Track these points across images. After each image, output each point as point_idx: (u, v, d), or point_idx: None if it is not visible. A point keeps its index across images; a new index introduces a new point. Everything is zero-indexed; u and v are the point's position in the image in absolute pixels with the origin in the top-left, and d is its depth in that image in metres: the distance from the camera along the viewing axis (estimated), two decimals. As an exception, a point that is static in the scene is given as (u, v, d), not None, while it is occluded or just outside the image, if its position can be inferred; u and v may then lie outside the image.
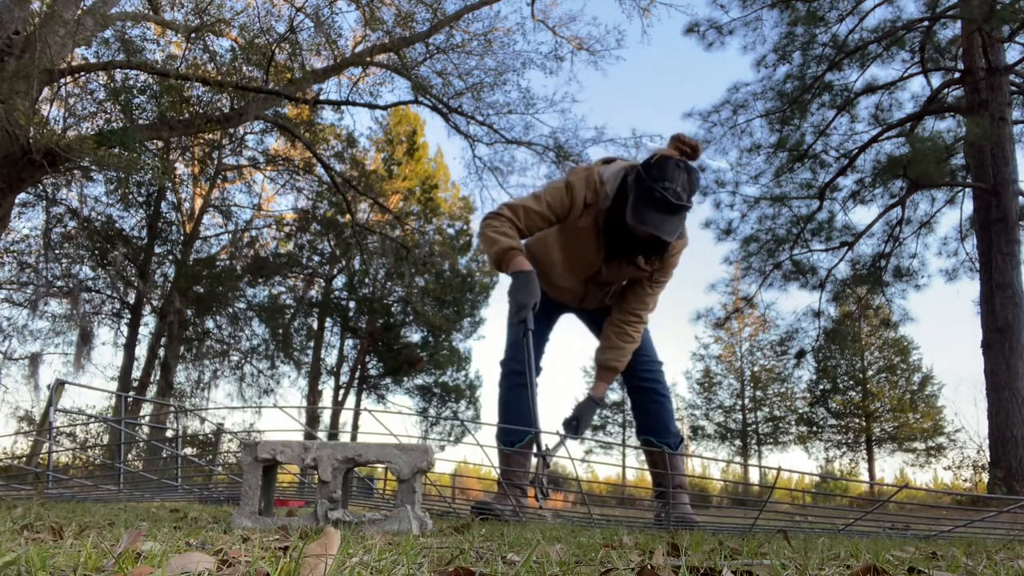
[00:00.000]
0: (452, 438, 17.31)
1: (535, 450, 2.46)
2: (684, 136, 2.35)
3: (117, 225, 13.57)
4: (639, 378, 2.72)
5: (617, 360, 2.62)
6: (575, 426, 2.58)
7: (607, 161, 2.55)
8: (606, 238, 2.45)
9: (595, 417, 2.64)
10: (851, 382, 19.73)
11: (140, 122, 8.18)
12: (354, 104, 10.43)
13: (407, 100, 11.10)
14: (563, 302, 2.82)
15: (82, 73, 8.10)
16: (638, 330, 2.63)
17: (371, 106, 10.66)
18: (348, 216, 14.01)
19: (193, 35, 8.00)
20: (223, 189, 15.67)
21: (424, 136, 17.69)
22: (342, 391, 17.35)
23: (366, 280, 17.23)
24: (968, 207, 10.91)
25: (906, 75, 11.17)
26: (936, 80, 11.10)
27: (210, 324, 15.13)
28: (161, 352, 14.16)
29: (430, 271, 15.59)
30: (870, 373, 19.54)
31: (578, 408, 2.63)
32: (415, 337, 17.46)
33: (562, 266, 2.63)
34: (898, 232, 11.75)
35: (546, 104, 11.87)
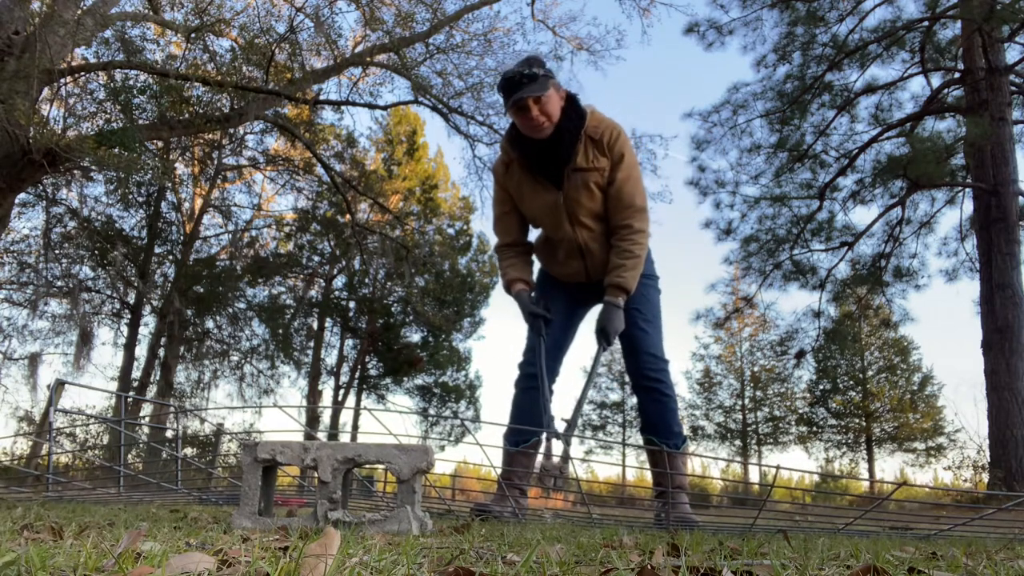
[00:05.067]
0: (452, 438, 17.31)
1: (542, 449, 2.47)
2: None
3: (117, 225, 13.57)
4: (643, 376, 2.71)
5: (620, 276, 2.56)
6: (605, 335, 2.53)
7: None
8: (532, 165, 2.59)
9: (621, 326, 2.63)
10: (851, 382, 19.73)
11: (140, 122, 8.17)
12: (354, 104, 10.42)
13: (407, 100, 11.09)
14: (576, 279, 2.81)
15: (82, 73, 8.09)
16: (634, 241, 2.58)
17: (371, 106, 10.66)
18: (348, 216, 14.01)
19: (193, 35, 8.00)
20: (223, 189, 15.67)
21: (424, 136, 17.70)
22: (342, 391, 17.35)
23: (366, 280, 17.23)
24: (968, 207, 10.92)
25: (906, 75, 11.16)
26: (936, 80, 11.10)
27: (210, 324, 15.13)
28: (161, 352, 14.15)
29: (430, 271, 15.59)
30: (870, 373, 19.54)
31: (601, 317, 2.58)
32: (415, 337, 17.46)
33: (546, 226, 2.74)
34: (898, 232, 11.74)
35: (546, 104, 11.82)
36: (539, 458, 2.48)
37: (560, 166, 2.54)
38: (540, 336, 2.63)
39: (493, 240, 2.92)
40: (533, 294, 2.81)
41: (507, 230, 2.77)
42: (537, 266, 2.96)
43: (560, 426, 2.50)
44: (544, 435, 2.47)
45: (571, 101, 2.51)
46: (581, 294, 2.87)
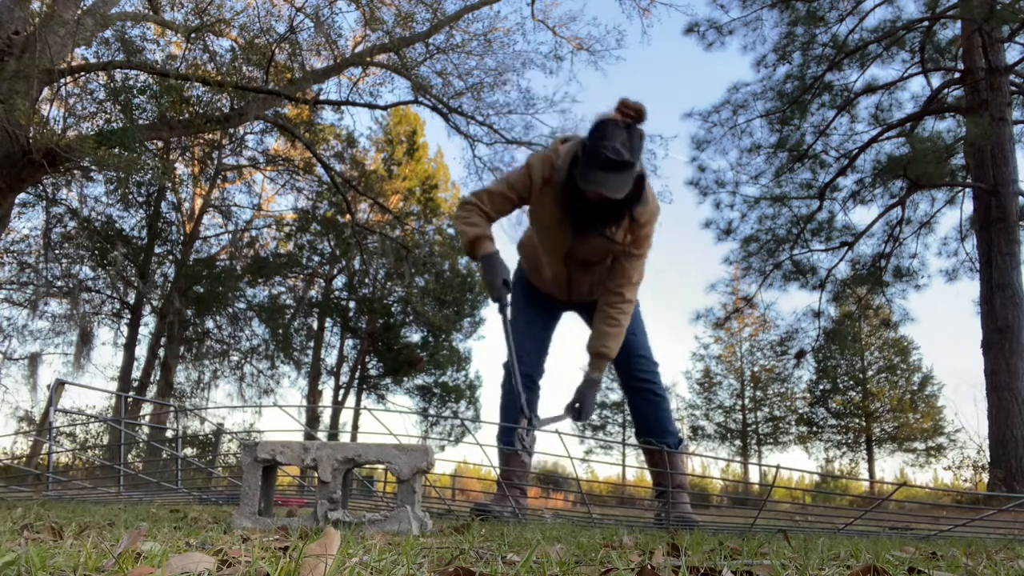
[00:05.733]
0: (452, 438, 17.32)
1: (525, 423, 2.49)
2: (628, 100, 2.38)
3: (117, 225, 13.57)
4: (635, 379, 2.72)
5: (604, 345, 2.58)
6: (578, 410, 2.55)
7: (565, 139, 2.60)
8: (566, 209, 2.51)
9: (597, 399, 2.63)
10: (851, 382, 19.72)
11: (140, 122, 8.17)
12: (354, 104, 10.42)
13: (407, 100, 11.10)
14: (555, 296, 2.83)
15: (82, 73, 8.09)
16: (623, 311, 2.60)
17: (371, 106, 10.66)
18: (348, 216, 14.01)
19: (193, 35, 8.00)
20: (223, 189, 15.67)
21: (424, 136, 17.70)
22: (342, 391, 17.35)
23: (366, 280, 17.23)
24: (968, 207, 10.91)
25: (906, 75, 11.16)
26: (936, 80, 11.10)
27: (210, 324, 15.12)
28: (161, 352, 14.15)
29: (430, 271, 15.59)
30: (870, 373, 19.54)
31: (578, 391, 2.60)
32: (415, 337, 17.46)
33: (543, 251, 2.69)
34: (898, 232, 11.74)
35: (546, 104, 11.86)
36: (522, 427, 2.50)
37: (590, 224, 2.50)
38: (505, 307, 2.54)
39: (466, 195, 2.79)
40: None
41: (495, 208, 2.64)
42: (516, 259, 2.98)
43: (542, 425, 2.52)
44: (525, 420, 2.50)
45: (638, 182, 2.40)
46: (560, 301, 2.90)
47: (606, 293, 2.63)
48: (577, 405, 2.56)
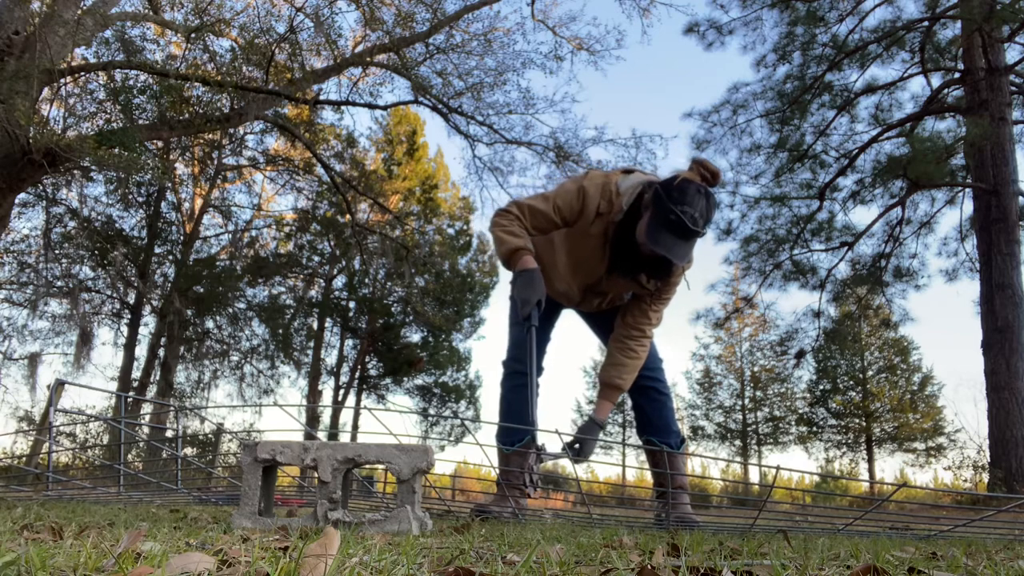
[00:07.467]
0: (452, 438, 17.32)
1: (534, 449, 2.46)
2: (707, 162, 2.34)
3: (117, 225, 13.58)
4: (640, 376, 2.70)
5: (620, 377, 2.57)
6: (578, 450, 2.51)
7: (627, 171, 2.53)
8: (613, 251, 2.44)
9: (597, 442, 2.60)
10: (851, 382, 19.73)
11: (140, 122, 8.18)
12: (354, 104, 10.43)
13: (407, 100, 11.11)
14: (559, 302, 2.83)
15: (82, 73, 8.10)
16: (643, 345, 2.59)
17: (371, 106, 10.66)
18: (348, 216, 14.01)
19: (193, 35, 8.00)
20: (223, 189, 15.68)
21: (424, 136, 17.70)
22: (342, 391, 17.35)
23: (366, 280, 17.23)
24: (968, 207, 10.93)
25: (906, 75, 11.17)
26: (936, 80, 11.11)
27: (210, 324, 15.13)
28: (161, 352, 14.15)
29: (430, 271, 15.60)
30: (870, 373, 19.54)
31: (580, 430, 2.58)
32: (415, 337, 17.46)
33: (564, 269, 2.63)
34: (898, 232, 11.75)
35: (546, 104, 11.88)
36: (531, 459, 2.47)
37: (631, 273, 2.47)
38: (533, 327, 2.46)
39: (504, 204, 2.64)
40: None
41: (535, 225, 2.51)
42: None
43: (549, 439, 2.49)
44: (535, 436, 2.47)
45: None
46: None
47: (626, 327, 2.61)
48: (576, 445, 2.51)
